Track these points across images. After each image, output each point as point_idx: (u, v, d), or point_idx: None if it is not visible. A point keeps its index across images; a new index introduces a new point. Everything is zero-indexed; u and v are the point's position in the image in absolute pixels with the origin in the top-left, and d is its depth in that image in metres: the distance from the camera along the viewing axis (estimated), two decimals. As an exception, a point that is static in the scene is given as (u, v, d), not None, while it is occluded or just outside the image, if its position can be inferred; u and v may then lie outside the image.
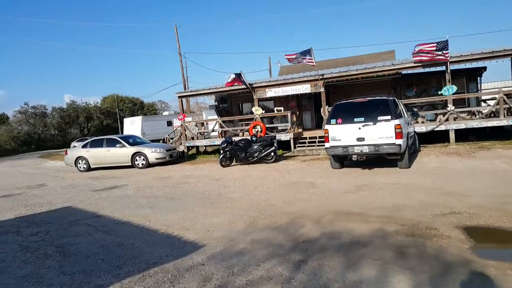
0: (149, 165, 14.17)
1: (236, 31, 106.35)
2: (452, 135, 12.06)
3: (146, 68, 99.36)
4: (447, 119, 12.15)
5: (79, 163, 15.30)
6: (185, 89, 28.36)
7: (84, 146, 15.64)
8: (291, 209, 5.81)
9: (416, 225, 4.45)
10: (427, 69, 14.70)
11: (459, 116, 12.22)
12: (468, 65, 13.83)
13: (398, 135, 8.20)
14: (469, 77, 15.52)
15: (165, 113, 37.26)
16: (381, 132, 8.33)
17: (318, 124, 18.29)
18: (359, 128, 8.54)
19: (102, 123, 49.78)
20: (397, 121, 8.25)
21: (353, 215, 5.11)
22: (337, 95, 17.40)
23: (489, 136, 13.17)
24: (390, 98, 8.83)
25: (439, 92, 12.49)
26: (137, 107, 53.30)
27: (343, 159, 9.51)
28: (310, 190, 7.16)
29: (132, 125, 31.05)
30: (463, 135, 12.77)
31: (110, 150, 14.83)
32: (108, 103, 51.02)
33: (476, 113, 13.38)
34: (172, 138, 16.97)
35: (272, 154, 12.03)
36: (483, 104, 14.86)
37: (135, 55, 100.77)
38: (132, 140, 15.66)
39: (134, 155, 14.39)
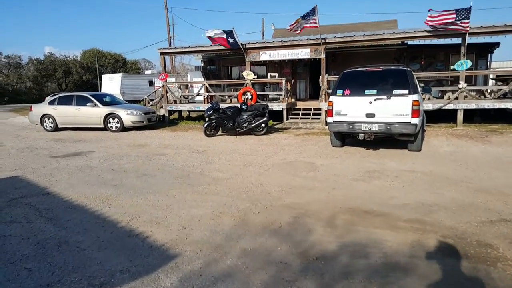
0: (123, 128, 12.62)
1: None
2: (460, 115, 11.04)
3: (131, 23, 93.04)
4: (456, 97, 11.05)
5: (45, 122, 13.58)
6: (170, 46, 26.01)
7: (51, 103, 13.79)
8: (291, 200, 4.62)
9: (463, 237, 3.35)
10: (435, 41, 13.40)
11: (469, 95, 11.13)
12: (480, 40, 12.58)
13: (415, 113, 7.01)
14: (479, 53, 14.32)
15: (148, 72, 34.76)
16: (396, 109, 7.12)
17: (312, 94, 16.96)
18: (370, 102, 7.28)
19: (82, 78, 46.90)
20: (415, 97, 7.02)
21: (374, 216, 3.97)
22: (335, 63, 16.00)
23: (493, 119, 12.27)
24: (407, 68, 7.53)
25: (452, 67, 11.29)
26: (120, 64, 50.27)
27: (344, 137, 8.33)
28: (311, 174, 5.98)
29: (111, 83, 28.84)
30: (468, 116, 11.81)
31: (80, 109, 13.11)
32: (89, 58, 47.84)
33: (486, 93, 12.35)
34: (152, 100, 15.28)
35: (263, 125, 10.72)
36: (491, 83, 13.81)
37: (119, 7, 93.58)
38: (106, 99, 13.91)
39: (107, 116, 12.75)
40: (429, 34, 11.04)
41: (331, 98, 7.75)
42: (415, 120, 7.03)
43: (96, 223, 4.09)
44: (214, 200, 4.70)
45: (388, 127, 7.17)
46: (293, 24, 11.43)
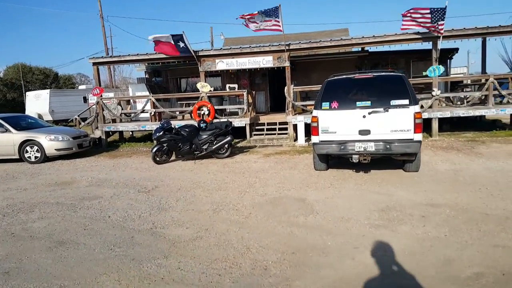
0: (46, 158, 9.94)
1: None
2: (435, 125, 10.33)
3: (64, 35, 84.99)
4: (430, 106, 10.33)
5: None
6: (106, 58, 23.03)
7: None
8: (306, 283, 2.89)
9: None
10: (397, 47, 12.97)
11: (443, 102, 10.51)
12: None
13: (418, 127, 5.78)
14: (439, 59, 14.06)
15: (82, 87, 31.07)
16: (395, 123, 5.83)
17: (273, 107, 15.59)
18: (364, 116, 5.91)
19: (6, 97, 41.01)
20: (416, 108, 5.81)
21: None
22: (295, 72, 14.76)
23: (458, 126, 11.88)
24: (403, 74, 6.33)
25: (424, 73, 10.60)
26: (50, 80, 44.97)
27: (328, 157, 6.84)
28: (311, 220, 4.32)
29: (38, 100, 25.06)
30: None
31: (-14, 137, 10.15)
32: (13, 74, 42.12)
33: (453, 100, 11.95)
34: (84, 120, 12.62)
35: (227, 146, 8.92)
36: (465, 89, 13.44)
37: (51, 17, 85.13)
38: (23, 123, 11.09)
39: (23, 144, 9.98)
40: (399, 38, 10.26)
41: (316, 112, 6.25)
42: (418, 136, 5.80)
43: None
44: (179, 296, 2.79)
45: (388, 146, 5.83)
46: (250, 15, 9.80)
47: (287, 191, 5.68)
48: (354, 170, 6.73)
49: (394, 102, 5.83)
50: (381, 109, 5.84)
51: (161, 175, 7.39)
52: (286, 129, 11.36)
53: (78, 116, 12.48)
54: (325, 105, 6.18)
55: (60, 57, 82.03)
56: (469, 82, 14.42)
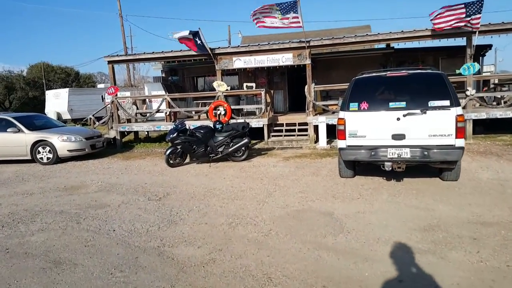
0: (58, 159, 9.70)
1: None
2: (469, 127, 9.47)
3: (86, 34, 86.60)
4: (464, 106, 9.47)
5: (-50, 155, 10.27)
6: (123, 57, 22.93)
7: (-43, 130, 10.49)
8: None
9: None
10: (425, 44, 12.05)
11: (478, 102, 9.63)
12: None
13: (460, 132, 5.09)
14: (471, 56, 13.08)
15: (100, 85, 31.37)
16: (434, 127, 5.14)
17: (292, 107, 14.97)
18: (398, 119, 5.25)
19: (28, 95, 42.02)
20: (459, 110, 5.10)
21: None
22: (315, 71, 14.07)
23: (492, 128, 10.91)
24: (443, 72, 5.62)
25: (457, 71, 9.74)
26: (71, 78, 45.77)
27: (355, 163, 6.18)
28: (341, 240, 3.73)
29: (57, 99, 25.38)
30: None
31: (-1, 136, 10.00)
32: (36, 73, 43.13)
33: (486, 100, 11.00)
34: (98, 119, 12.37)
35: (244, 148, 8.41)
36: (502, 88, 12.38)
37: (70, 17, 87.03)
38: (36, 122, 10.89)
39: (35, 144, 9.77)
40: (430, 34, 9.44)
41: (342, 114, 5.62)
42: (461, 142, 5.11)
43: None
44: None
45: (425, 153, 5.15)
46: (263, 9, 9.20)
47: (311, 202, 5.10)
48: (384, 178, 6.07)
49: (433, 103, 5.14)
50: (418, 111, 5.17)
51: (174, 180, 6.94)
52: (306, 130, 10.75)
53: (93, 115, 12.24)
54: (353, 106, 5.54)
55: (82, 56, 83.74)
56: (496, 81, 13.41)
